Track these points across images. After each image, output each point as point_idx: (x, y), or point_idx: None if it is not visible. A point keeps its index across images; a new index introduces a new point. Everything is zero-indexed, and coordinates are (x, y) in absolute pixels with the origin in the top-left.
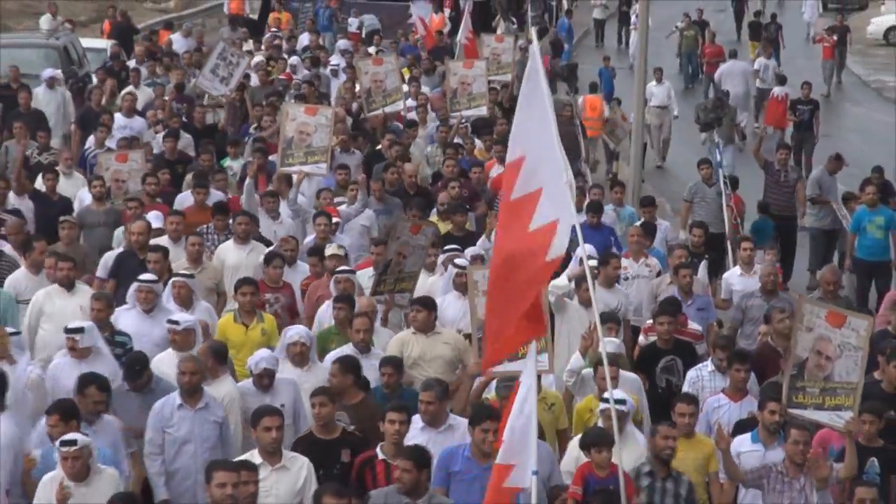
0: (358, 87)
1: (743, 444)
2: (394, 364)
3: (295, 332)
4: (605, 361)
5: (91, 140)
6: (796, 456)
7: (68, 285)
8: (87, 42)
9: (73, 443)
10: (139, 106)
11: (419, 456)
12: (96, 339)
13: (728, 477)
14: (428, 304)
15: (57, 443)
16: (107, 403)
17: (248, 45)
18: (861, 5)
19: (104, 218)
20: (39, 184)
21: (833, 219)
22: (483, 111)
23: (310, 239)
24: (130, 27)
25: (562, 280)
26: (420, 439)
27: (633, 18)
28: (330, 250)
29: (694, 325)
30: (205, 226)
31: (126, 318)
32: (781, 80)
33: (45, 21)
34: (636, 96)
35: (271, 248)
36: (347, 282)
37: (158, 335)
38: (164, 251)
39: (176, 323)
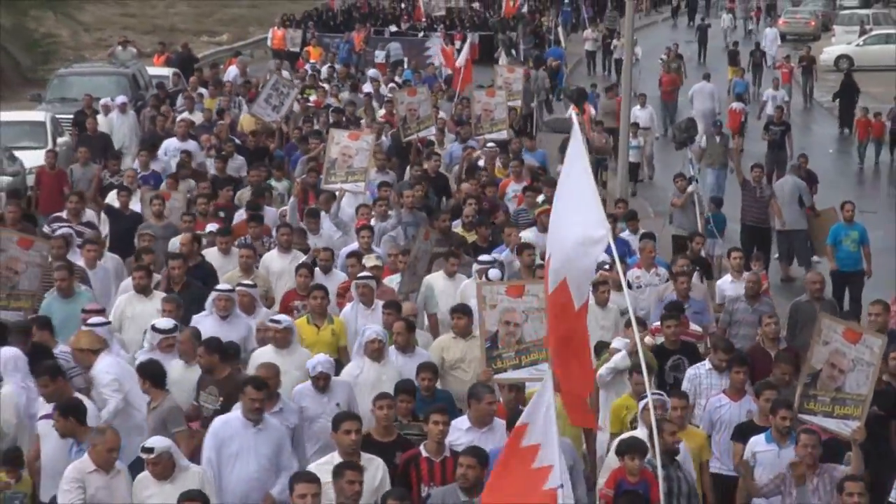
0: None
1: (758, 445)
2: (432, 370)
3: (372, 331)
4: (644, 364)
5: (136, 162)
6: (807, 458)
7: (145, 291)
8: (152, 70)
9: (150, 450)
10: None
11: (480, 453)
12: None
13: (749, 493)
14: (467, 310)
15: (140, 450)
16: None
17: (286, 73)
18: (815, 37)
19: (162, 232)
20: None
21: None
22: (504, 135)
23: (351, 247)
24: (191, 57)
25: None
26: (466, 439)
27: (637, 50)
28: (370, 262)
29: (694, 327)
30: (243, 237)
31: (205, 323)
32: (739, 98)
33: (120, 52)
34: (622, 119)
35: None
36: (366, 287)
37: (236, 337)
38: (183, 258)
39: (278, 322)
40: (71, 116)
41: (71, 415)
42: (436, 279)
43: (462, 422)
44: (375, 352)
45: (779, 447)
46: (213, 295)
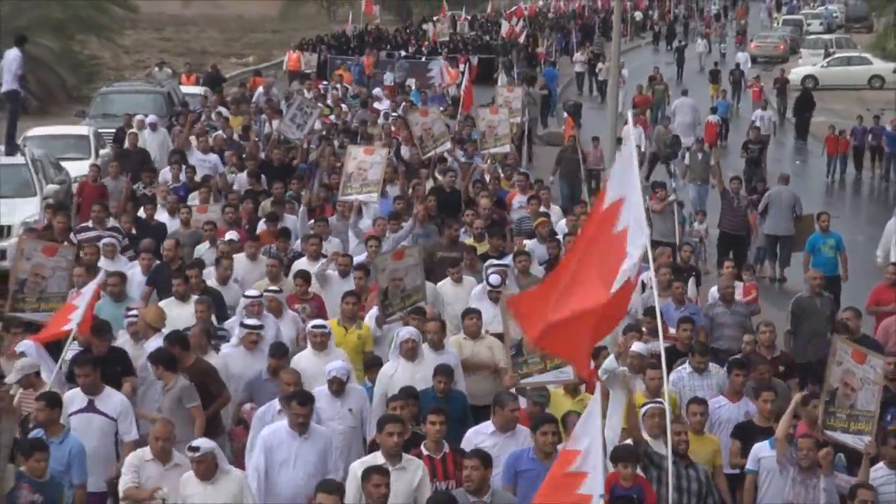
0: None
1: (763, 451)
2: (447, 373)
3: (406, 331)
4: (664, 365)
5: (167, 174)
6: (803, 461)
7: (184, 297)
8: (185, 89)
9: (196, 449)
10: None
11: (484, 455)
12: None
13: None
14: (477, 312)
15: (186, 448)
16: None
17: (309, 94)
18: (783, 59)
19: (189, 239)
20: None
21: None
22: (506, 148)
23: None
24: (219, 77)
25: None
26: (490, 442)
27: (625, 72)
28: None
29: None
30: (268, 246)
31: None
32: (714, 111)
33: (156, 73)
34: (609, 134)
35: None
36: None
37: (269, 337)
38: (201, 266)
39: (323, 327)
40: (112, 131)
41: (57, 406)
42: (444, 286)
43: (487, 426)
44: (409, 351)
45: None
46: (244, 301)
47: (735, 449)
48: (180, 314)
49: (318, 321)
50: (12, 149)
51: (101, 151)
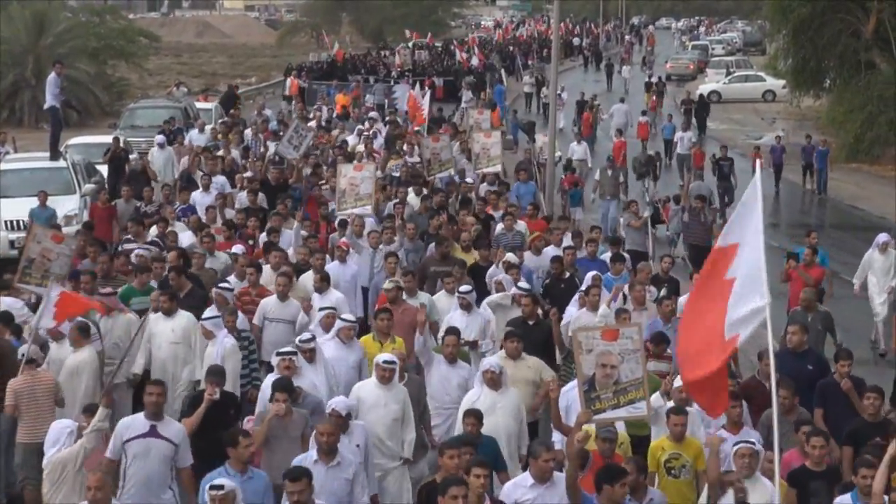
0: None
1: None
2: (476, 416)
3: (488, 362)
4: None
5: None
6: (864, 489)
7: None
8: (199, 105)
9: (220, 487)
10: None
11: None
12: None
13: None
14: (519, 335)
15: (206, 486)
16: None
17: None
18: (693, 77)
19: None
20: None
21: None
22: (498, 168)
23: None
24: (233, 94)
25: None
26: (531, 495)
27: (563, 95)
28: (388, 284)
29: (669, 351)
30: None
31: (327, 346)
32: (644, 113)
33: (175, 91)
34: (549, 149)
35: None
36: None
37: (353, 362)
38: (178, 271)
39: (392, 363)
40: (140, 139)
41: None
42: (439, 297)
43: (525, 479)
44: (490, 381)
45: None
46: (319, 314)
47: (793, 498)
48: None
49: (388, 356)
50: (56, 155)
51: (130, 157)
